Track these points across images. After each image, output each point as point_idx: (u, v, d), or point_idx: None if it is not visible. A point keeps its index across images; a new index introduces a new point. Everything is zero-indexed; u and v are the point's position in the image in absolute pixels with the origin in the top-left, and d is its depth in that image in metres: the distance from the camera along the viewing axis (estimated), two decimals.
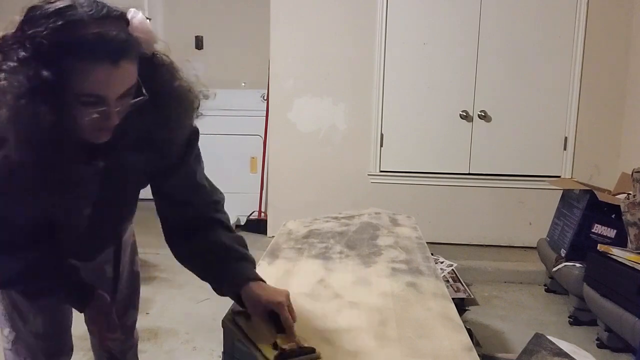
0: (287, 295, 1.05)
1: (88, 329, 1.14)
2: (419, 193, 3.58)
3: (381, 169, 3.62)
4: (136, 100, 0.91)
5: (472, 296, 2.85)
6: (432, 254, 1.72)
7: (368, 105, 3.58)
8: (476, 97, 3.50)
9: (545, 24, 3.41)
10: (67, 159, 0.87)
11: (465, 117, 3.51)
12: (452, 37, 3.47)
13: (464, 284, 2.82)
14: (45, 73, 0.79)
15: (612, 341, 2.27)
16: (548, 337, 1.84)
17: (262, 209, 3.94)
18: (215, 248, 1.11)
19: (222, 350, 1.17)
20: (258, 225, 3.81)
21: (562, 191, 3.00)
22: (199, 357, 2.22)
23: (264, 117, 3.85)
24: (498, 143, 3.53)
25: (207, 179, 1.21)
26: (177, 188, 1.14)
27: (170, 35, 4.46)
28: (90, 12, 0.83)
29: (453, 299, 1.35)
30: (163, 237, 1.20)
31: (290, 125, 3.61)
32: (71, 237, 1.09)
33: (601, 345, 2.30)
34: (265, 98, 3.89)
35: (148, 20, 0.92)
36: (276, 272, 1.45)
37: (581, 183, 2.89)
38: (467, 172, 3.57)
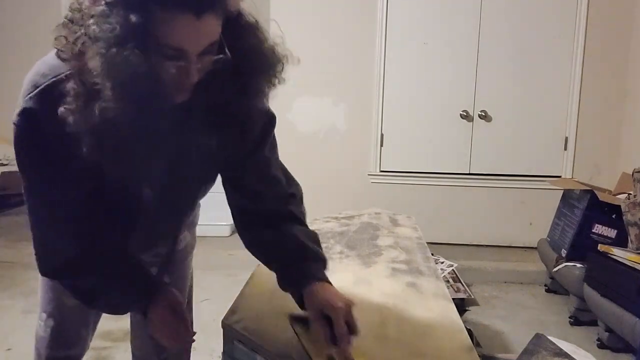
0: (348, 303, 0.96)
1: (152, 337, 1.02)
2: (419, 193, 3.57)
3: (381, 169, 3.62)
4: (218, 57, 0.83)
5: (473, 296, 2.84)
6: (432, 254, 1.72)
7: (368, 105, 3.58)
8: (476, 97, 3.50)
9: (546, 24, 3.41)
10: (157, 116, 0.80)
11: (466, 117, 3.51)
12: (452, 37, 3.47)
13: (464, 284, 2.81)
14: (133, 18, 0.74)
15: (612, 341, 2.26)
16: (548, 337, 1.84)
17: None
18: (286, 244, 1.06)
19: (222, 350, 1.17)
20: None
21: (562, 191, 2.99)
22: (199, 357, 2.21)
23: None
24: (498, 143, 3.52)
25: (283, 169, 1.15)
26: (250, 179, 1.08)
27: None
28: None
29: (453, 299, 1.35)
30: None
31: (290, 125, 3.61)
32: (126, 222, 1.00)
33: (601, 345, 2.30)
34: None
35: None
36: None
37: (582, 183, 2.89)
38: (467, 172, 3.57)
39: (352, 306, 0.96)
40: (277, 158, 1.13)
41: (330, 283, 1.03)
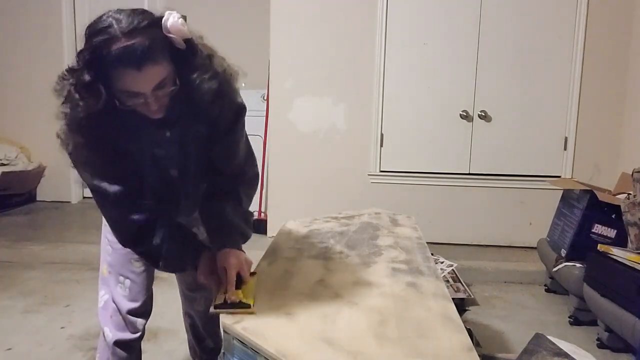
0: (241, 261, 1.27)
1: (201, 283, 1.34)
2: (419, 193, 3.58)
3: (381, 169, 3.62)
4: (171, 89, 1.15)
5: (472, 296, 2.84)
6: (432, 254, 1.72)
7: (368, 105, 3.58)
8: (476, 97, 3.50)
9: (546, 24, 3.41)
10: (143, 126, 1.22)
11: (465, 117, 3.51)
12: (452, 37, 3.47)
13: (464, 284, 2.82)
14: (87, 77, 1.08)
15: (612, 341, 2.26)
16: (548, 337, 1.84)
17: (262, 209, 3.94)
18: (218, 218, 1.36)
19: (222, 350, 1.17)
20: (258, 225, 3.81)
21: (562, 191, 2.99)
22: None
23: (264, 117, 3.85)
24: (498, 143, 3.53)
25: (247, 149, 1.43)
26: (219, 158, 1.37)
27: None
28: (122, 28, 1.06)
29: (453, 299, 1.35)
30: None
31: (290, 125, 3.61)
32: (170, 196, 1.37)
33: (601, 345, 2.30)
34: (265, 98, 3.89)
35: (182, 18, 1.14)
36: (276, 272, 1.45)
37: (581, 183, 2.89)
38: (467, 172, 3.57)
39: (246, 263, 1.28)
40: (243, 138, 1.41)
41: (241, 250, 1.33)
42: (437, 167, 3.58)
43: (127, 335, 1.45)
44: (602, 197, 2.59)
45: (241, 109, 1.35)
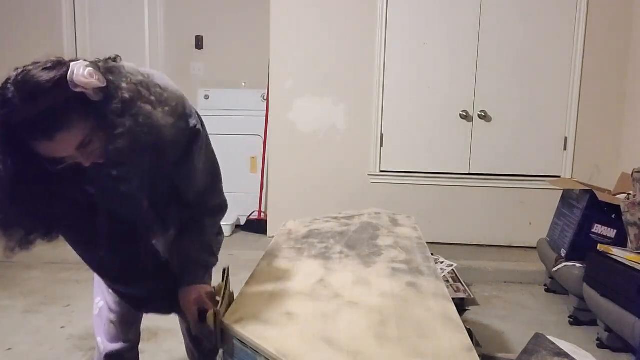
0: (201, 295, 1.26)
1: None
2: (419, 193, 3.58)
3: (381, 169, 3.62)
4: (99, 144, 1.02)
5: (472, 296, 2.84)
6: (432, 254, 1.72)
7: (368, 105, 3.58)
8: (476, 97, 3.50)
9: (546, 24, 3.42)
10: (91, 172, 1.07)
11: (465, 117, 3.51)
12: (452, 37, 3.47)
13: (464, 284, 2.82)
14: (11, 145, 0.97)
15: (612, 341, 2.27)
16: (548, 337, 1.84)
17: (262, 209, 3.94)
18: (179, 255, 1.33)
19: (222, 350, 1.17)
20: (258, 225, 3.81)
21: (562, 191, 3.00)
22: None
23: (264, 117, 3.85)
24: (498, 143, 3.53)
25: (209, 177, 1.34)
26: (178, 182, 1.28)
27: (170, 35, 4.46)
28: (24, 96, 0.92)
29: (453, 299, 1.35)
30: None
31: (290, 125, 3.61)
32: (144, 223, 1.28)
33: (601, 345, 2.30)
34: (265, 98, 3.89)
35: (92, 65, 0.99)
36: (276, 272, 1.45)
37: (581, 183, 2.89)
38: (467, 172, 3.57)
39: (206, 295, 1.26)
40: (201, 165, 1.29)
41: (201, 283, 1.30)
42: (437, 167, 3.58)
43: (120, 346, 1.43)
44: (602, 197, 2.59)
45: (195, 134, 1.24)
